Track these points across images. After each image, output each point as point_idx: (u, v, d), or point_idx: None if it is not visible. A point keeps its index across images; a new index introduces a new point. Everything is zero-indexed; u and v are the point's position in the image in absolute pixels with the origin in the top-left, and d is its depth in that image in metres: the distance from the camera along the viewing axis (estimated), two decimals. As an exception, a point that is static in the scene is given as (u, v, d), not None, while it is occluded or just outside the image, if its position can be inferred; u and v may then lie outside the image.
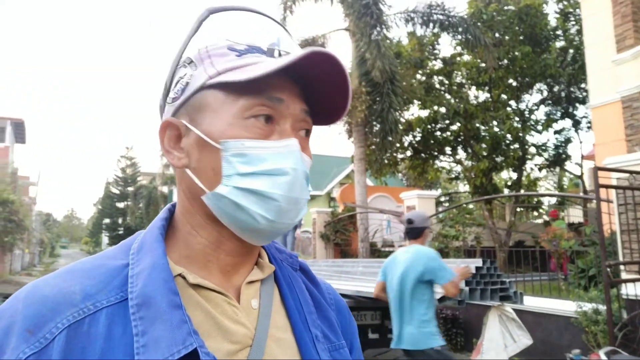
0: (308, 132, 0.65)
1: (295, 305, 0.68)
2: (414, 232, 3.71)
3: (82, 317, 0.52)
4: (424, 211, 3.81)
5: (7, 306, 0.53)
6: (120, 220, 44.50)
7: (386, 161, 14.11)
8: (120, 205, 44.08)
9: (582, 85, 14.59)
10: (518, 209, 16.65)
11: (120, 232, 43.05)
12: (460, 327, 7.57)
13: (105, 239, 45.84)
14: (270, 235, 0.62)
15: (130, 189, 42.78)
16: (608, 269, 4.75)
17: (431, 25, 11.13)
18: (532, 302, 6.40)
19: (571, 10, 14.29)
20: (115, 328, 0.52)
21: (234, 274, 0.65)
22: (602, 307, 5.12)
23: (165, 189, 32.82)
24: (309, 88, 0.63)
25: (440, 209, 9.68)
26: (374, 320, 5.51)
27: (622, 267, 5.17)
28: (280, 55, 0.61)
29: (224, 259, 0.63)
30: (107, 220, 44.52)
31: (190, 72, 0.61)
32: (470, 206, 14.83)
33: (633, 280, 4.91)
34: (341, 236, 12.88)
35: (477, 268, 4.28)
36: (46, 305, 0.52)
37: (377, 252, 12.35)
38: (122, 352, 0.51)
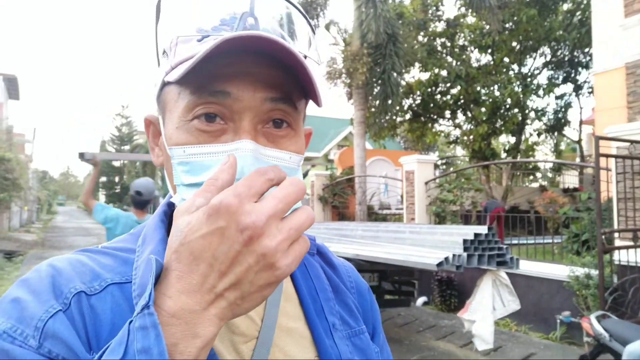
0: (282, 123, 0.54)
1: (310, 292, 0.64)
2: (145, 203, 3.89)
3: (92, 294, 0.51)
4: (152, 181, 4.02)
5: (30, 276, 0.52)
6: (117, 179, 44.62)
7: (385, 124, 14.04)
8: (117, 164, 44.05)
9: (587, 50, 14.37)
10: (515, 174, 16.76)
11: (117, 190, 43.17)
12: (455, 289, 7.78)
13: (102, 197, 46.03)
14: None
15: (127, 147, 42.61)
16: (603, 236, 4.85)
17: (436, -16, 10.79)
18: (526, 266, 6.56)
19: (580, -29, 13.90)
20: (123, 304, 0.51)
21: None
22: (594, 272, 5.25)
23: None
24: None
25: (437, 173, 9.70)
26: (372, 282, 5.76)
27: (616, 234, 5.27)
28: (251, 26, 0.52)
29: None
30: (103, 179, 44.61)
31: (165, 63, 0.55)
32: (468, 170, 14.95)
33: (626, 247, 5.02)
34: (339, 199, 12.98)
35: (476, 234, 4.36)
36: (62, 275, 0.51)
37: (374, 214, 12.50)
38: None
